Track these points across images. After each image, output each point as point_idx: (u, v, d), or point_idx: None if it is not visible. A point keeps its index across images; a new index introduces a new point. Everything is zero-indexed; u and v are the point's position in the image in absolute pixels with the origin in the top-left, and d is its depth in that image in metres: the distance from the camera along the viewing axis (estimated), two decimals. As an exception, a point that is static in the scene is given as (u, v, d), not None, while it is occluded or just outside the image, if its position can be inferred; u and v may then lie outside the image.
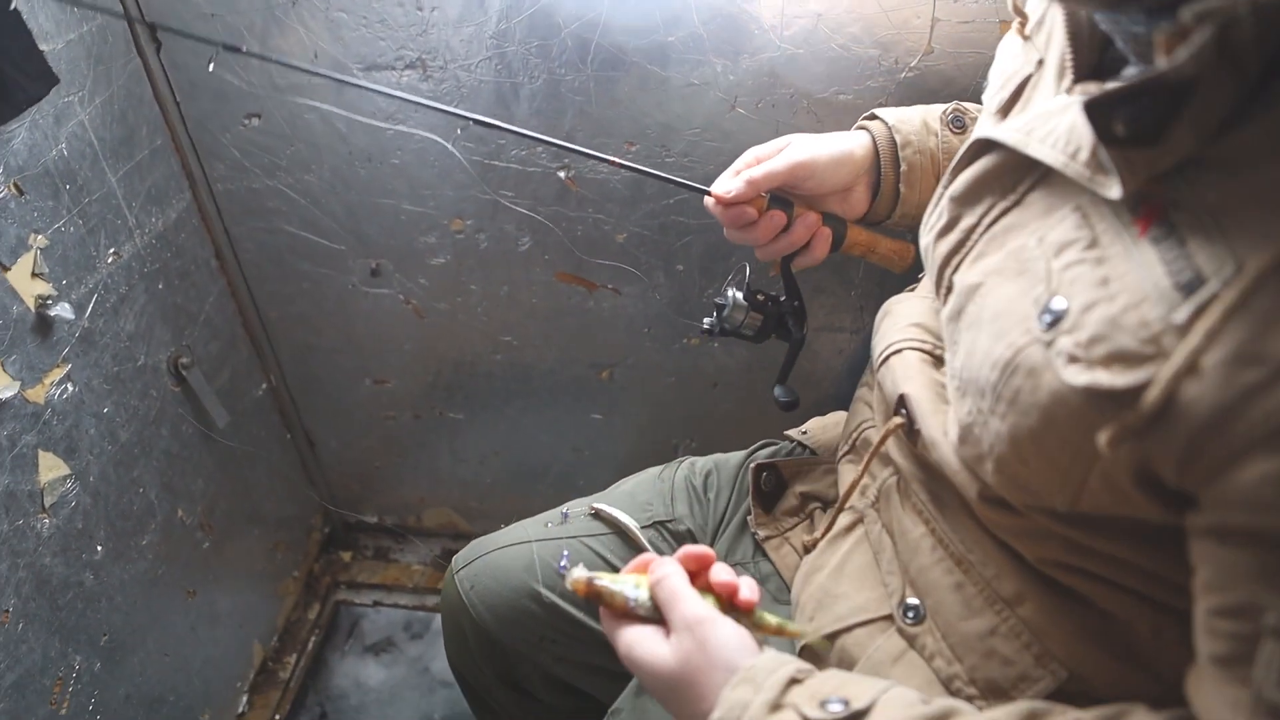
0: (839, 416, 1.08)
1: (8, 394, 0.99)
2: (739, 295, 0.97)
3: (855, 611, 0.77)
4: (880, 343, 0.82)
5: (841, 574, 0.81)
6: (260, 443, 1.61)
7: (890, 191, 0.92)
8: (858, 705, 0.58)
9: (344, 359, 1.61)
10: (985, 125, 0.70)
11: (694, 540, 1.01)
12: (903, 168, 0.91)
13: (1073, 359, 0.53)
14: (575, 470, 1.71)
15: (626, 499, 1.05)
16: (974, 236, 0.67)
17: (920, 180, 0.92)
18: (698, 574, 0.70)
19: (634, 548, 1.00)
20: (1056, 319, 0.54)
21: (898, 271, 0.99)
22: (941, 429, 0.68)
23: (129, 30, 1.19)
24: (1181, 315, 0.47)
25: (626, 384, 1.54)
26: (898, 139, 0.91)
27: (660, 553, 0.97)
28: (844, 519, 0.84)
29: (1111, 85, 0.50)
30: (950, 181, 0.71)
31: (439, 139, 1.27)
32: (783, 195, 0.92)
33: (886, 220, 0.95)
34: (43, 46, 1.00)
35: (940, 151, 0.92)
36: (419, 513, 1.91)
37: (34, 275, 1.03)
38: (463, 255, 1.41)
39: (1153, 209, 0.50)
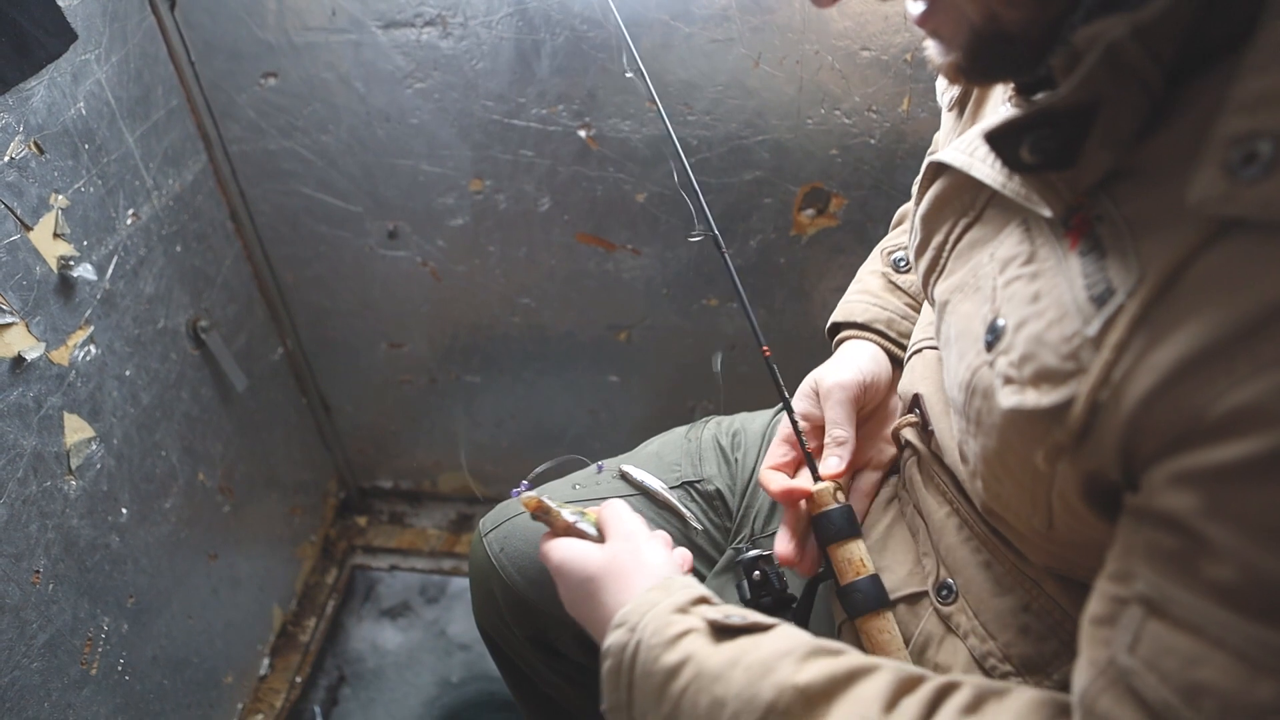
0: None
1: (34, 355, 0.99)
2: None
3: (900, 584, 0.78)
4: (911, 339, 0.83)
5: (885, 549, 0.81)
6: (277, 407, 1.61)
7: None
8: (758, 619, 0.62)
9: (360, 322, 1.60)
10: (941, 136, 0.71)
11: (723, 500, 1.01)
12: (903, 342, 0.91)
13: (1007, 380, 0.53)
14: (592, 433, 1.71)
15: (653, 460, 1.04)
16: (944, 254, 0.67)
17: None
18: None
19: (662, 508, 1.00)
20: (996, 338, 0.55)
21: None
22: (950, 433, 0.69)
23: (143, -14, 1.17)
24: (1094, 329, 0.47)
25: (644, 345, 1.53)
26: (891, 334, 0.91)
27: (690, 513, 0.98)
28: (885, 492, 0.84)
29: (1009, 115, 0.50)
30: (918, 202, 0.71)
31: (459, 97, 1.26)
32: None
33: None
34: (60, 2, 0.98)
35: (911, 295, 0.94)
36: (434, 477, 1.91)
37: (56, 236, 1.02)
38: (481, 216, 1.39)
39: (1082, 222, 0.50)
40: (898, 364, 0.90)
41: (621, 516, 0.76)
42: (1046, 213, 0.52)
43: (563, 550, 0.75)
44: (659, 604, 0.64)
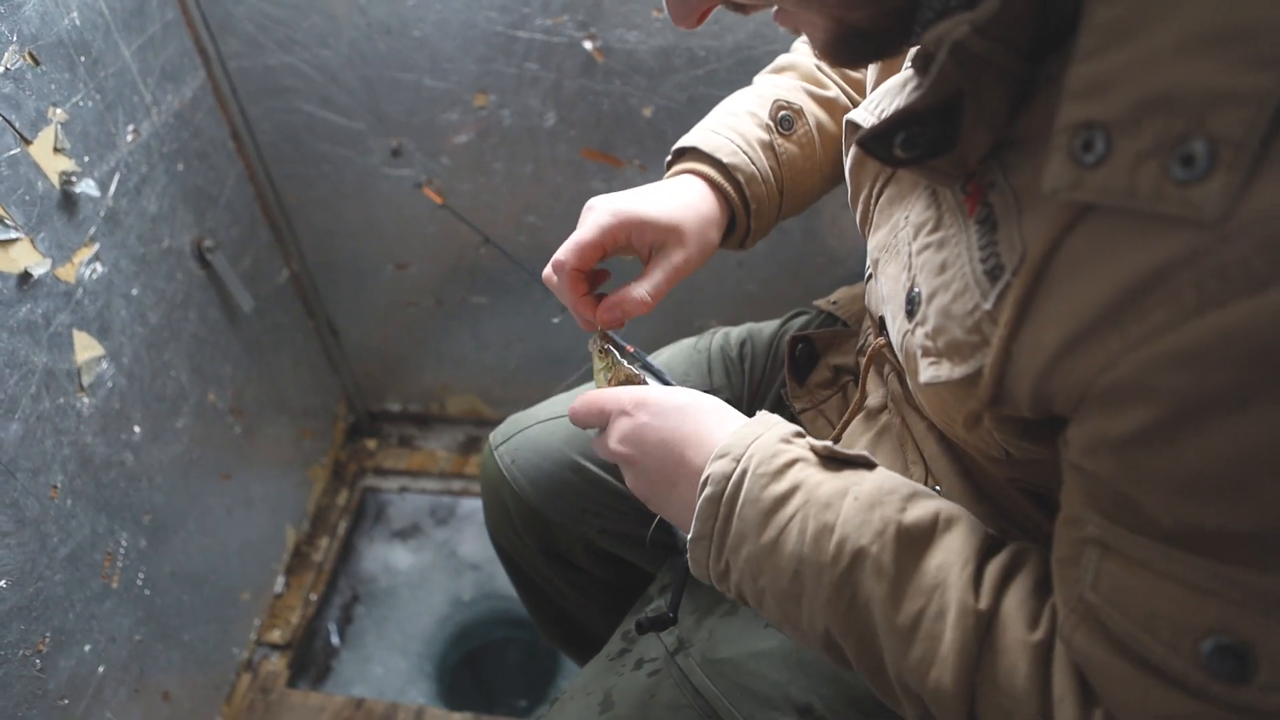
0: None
1: (40, 271, 0.98)
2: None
3: None
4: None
5: (874, 455, 0.81)
6: (284, 330, 1.61)
7: (743, 233, 0.87)
8: (864, 455, 0.62)
9: (365, 244, 1.59)
10: (868, 84, 0.72)
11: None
12: (752, 206, 0.84)
13: (925, 351, 0.55)
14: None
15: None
16: (870, 208, 0.67)
17: (767, 210, 0.86)
18: None
19: None
20: (914, 308, 0.56)
21: None
22: None
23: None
24: (990, 303, 0.48)
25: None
26: (740, 178, 0.82)
27: None
28: (874, 400, 0.84)
29: (876, 123, 0.50)
30: (845, 154, 0.71)
31: (461, 8, 1.23)
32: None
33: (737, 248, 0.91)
34: (49, -95, 0.96)
35: (783, 166, 0.86)
36: (442, 400, 1.92)
37: (56, 150, 1.01)
38: (486, 133, 1.37)
39: (977, 189, 0.50)
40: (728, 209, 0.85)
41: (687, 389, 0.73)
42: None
43: (639, 390, 0.70)
44: (763, 435, 0.63)
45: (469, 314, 1.69)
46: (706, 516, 0.62)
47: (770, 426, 0.64)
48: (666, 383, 0.76)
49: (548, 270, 0.79)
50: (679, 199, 0.80)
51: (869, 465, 0.62)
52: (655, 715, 0.79)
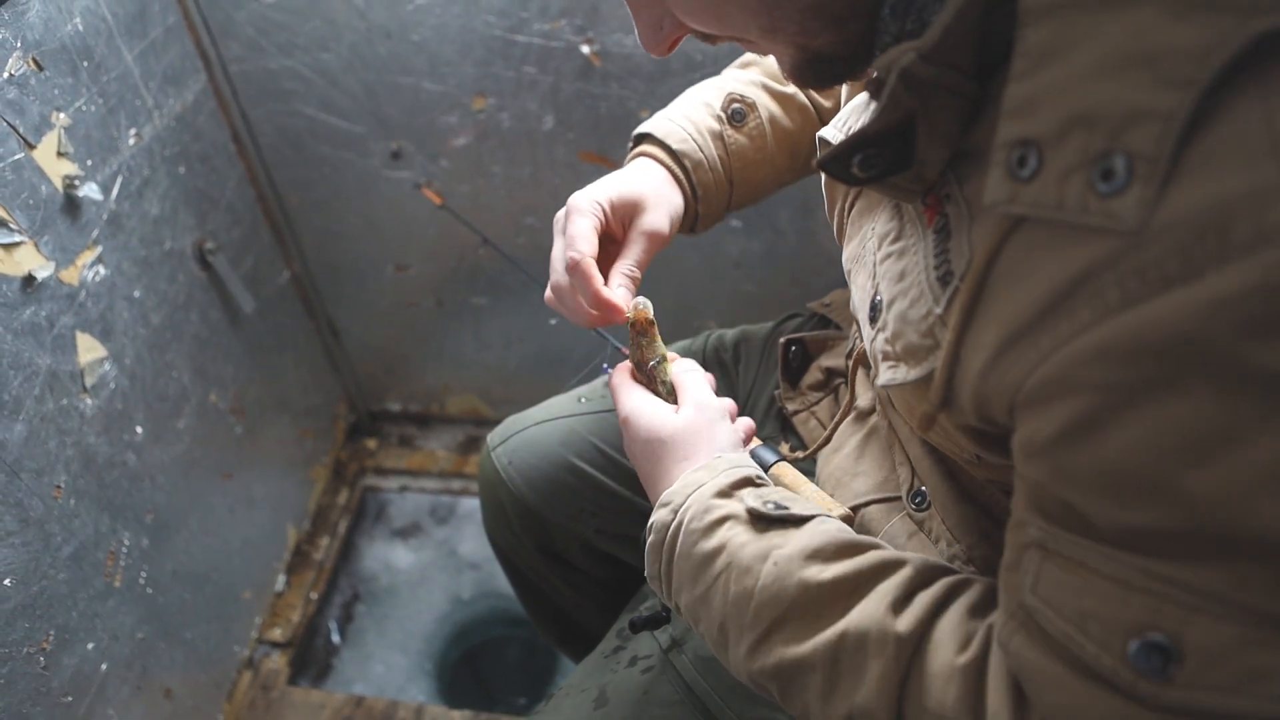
0: None
1: (44, 274, 0.99)
2: None
3: (873, 489, 0.79)
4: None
5: (862, 455, 0.83)
6: (285, 330, 1.62)
7: (692, 217, 0.89)
8: (797, 511, 0.63)
9: (365, 245, 1.60)
10: (843, 97, 0.73)
11: (726, 412, 1.02)
12: (700, 192, 0.87)
13: (885, 356, 0.57)
14: (598, 353, 1.72)
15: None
16: (844, 219, 0.69)
17: (715, 196, 0.88)
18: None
19: None
20: (876, 314, 0.58)
21: None
22: None
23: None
24: (941, 308, 0.50)
25: (650, 264, 1.53)
26: (687, 164, 0.86)
27: None
28: (864, 401, 0.85)
29: (832, 148, 0.52)
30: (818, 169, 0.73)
31: (460, 12, 1.24)
32: None
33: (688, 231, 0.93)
34: (52, -88, 0.97)
35: (731, 156, 0.88)
36: (443, 400, 1.93)
37: (59, 155, 1.02)
38: (484, 136, 1.38)
39: (936, 200, 0.52)
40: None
41: (699, 383, 0.76)
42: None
43: (636, 402, 0.75)
44: (703, 485, 0.65)
45: (469, 314, 1.70)
46: (653, 561, 0.68)
47: (717, 474, 0.66)
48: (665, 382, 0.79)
49: (556, 279, 0.80)
50: (643, 177, 0.83)
51: (800, 521, 0.63)
52: (649, 712, 0.81)
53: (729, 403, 0.77)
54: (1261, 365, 0.35)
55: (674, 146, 0.85)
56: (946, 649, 0.53)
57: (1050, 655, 0.46)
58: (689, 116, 0.88)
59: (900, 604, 0.55)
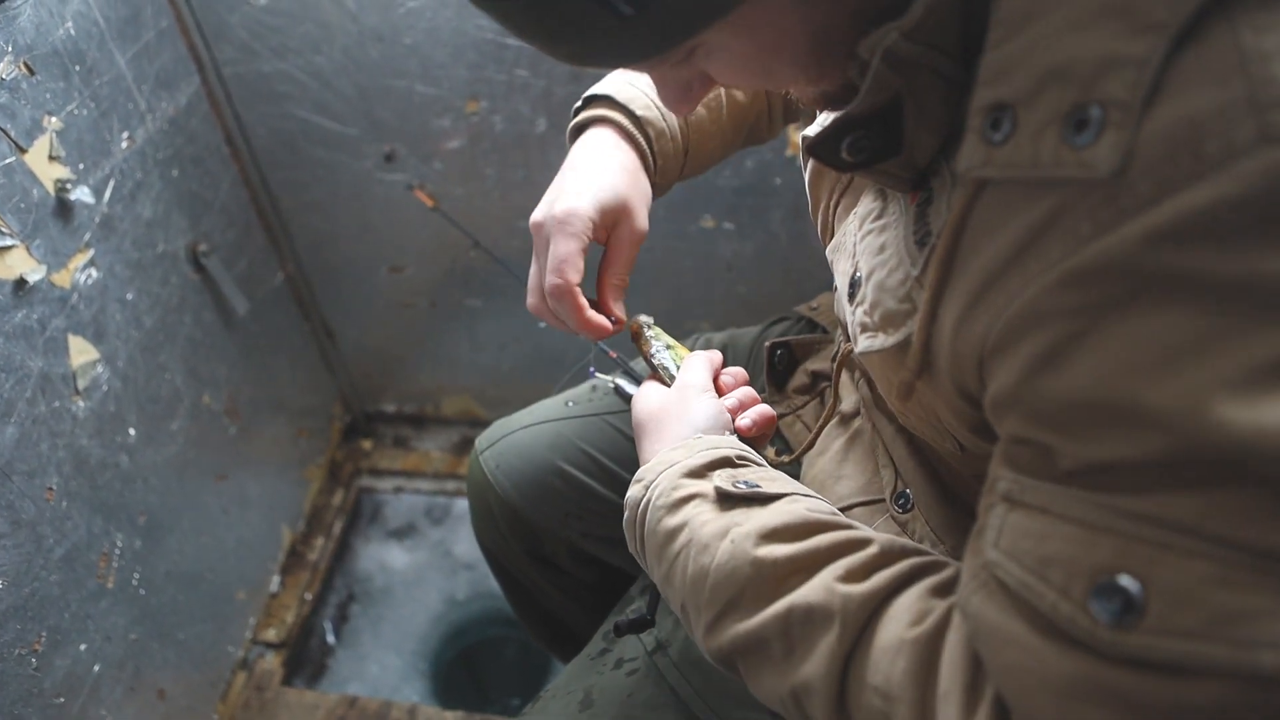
0: None
1: (35, 277, 1.00)
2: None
3: (856, 492, 0.80)
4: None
5: (846, 459, 0.83)
6: (280, 332, 1.63)
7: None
8: (766, 490, 0.63)
9: (360, 247, 1.61)
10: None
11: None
12: (659, 162, 0.85)
13: (864, 328, 0.58)
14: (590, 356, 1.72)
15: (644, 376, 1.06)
16: (829, 217, 0.70)
17: (671, 167, 0.87)
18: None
19: None
20: (855, 289, 0.59)
21: None
22: None
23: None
24: (917, 269, 0.51)
25: (643, 268, 1.54)
26: (650, 132, 0.84)
27: None
28: (847, 405, 0.86)
29: (822, 129, 0.52)
30: (805, 169, 0.75)
31: (452, 16, 1.24)
32: None
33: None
34: (44, -82, 0.97)
35: (690, 127, 0.88)
36: (437, 401, 1.93)
37: (51, 159, 1.02)
38: (478, 138, 1.39)
39: (921, 178, 0.53)
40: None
41: (690, 365, 0.79)
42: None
43: (639, 391, 0.80)
44: (675, 464, 0.66)
45: (464, 316, 1.71)
46: (630, 537, 0.70)
47: (693, 453, 0.67)
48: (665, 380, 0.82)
49: (533, 300, 0.81)
50: (621, 174, 0.80)
51: (767, 500, 0.62)
52: (634, 714, 0.81)
53: (738, 374, 0.80)
54: (1230, 275, 0.35)
55: (637, 113, 0.83)
56: (898, 623, 0.51)
57: (1008, 610, 0.44)
58: (650, 83, 0.85)
59: (853, 578, 0.54)
